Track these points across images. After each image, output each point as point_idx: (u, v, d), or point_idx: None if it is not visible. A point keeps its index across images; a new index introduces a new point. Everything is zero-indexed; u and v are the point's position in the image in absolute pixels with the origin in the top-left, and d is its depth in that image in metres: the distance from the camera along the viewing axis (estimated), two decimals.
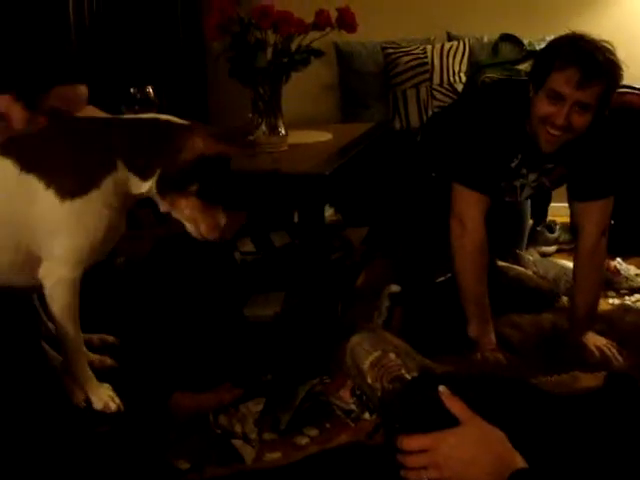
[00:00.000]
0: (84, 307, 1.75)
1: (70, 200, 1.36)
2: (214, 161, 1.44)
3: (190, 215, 1.48)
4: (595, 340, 2.25)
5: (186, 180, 1.42)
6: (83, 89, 1.88)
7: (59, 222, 1.37)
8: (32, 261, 1.41)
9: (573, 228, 2.37)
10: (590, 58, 2.03)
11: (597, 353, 2.18)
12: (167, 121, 1.45)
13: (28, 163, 1.37)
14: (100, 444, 1.48)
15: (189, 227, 1.51)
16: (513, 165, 2.28)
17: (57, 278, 1.40)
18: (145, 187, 1.43)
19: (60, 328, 1.43)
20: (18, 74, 1.87)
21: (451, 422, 1.18)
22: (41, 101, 1.81)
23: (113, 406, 1.52)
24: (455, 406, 1.19)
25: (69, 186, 1.36)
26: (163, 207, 1.48)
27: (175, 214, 1.49)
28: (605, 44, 2.07)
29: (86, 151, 1.41)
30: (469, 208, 2.24)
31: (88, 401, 1.50)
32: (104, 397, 1.52)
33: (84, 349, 1.56)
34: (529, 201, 2.93)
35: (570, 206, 2.32)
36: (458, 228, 2.24)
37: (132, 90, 2.20)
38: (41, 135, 1.47)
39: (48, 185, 1.36)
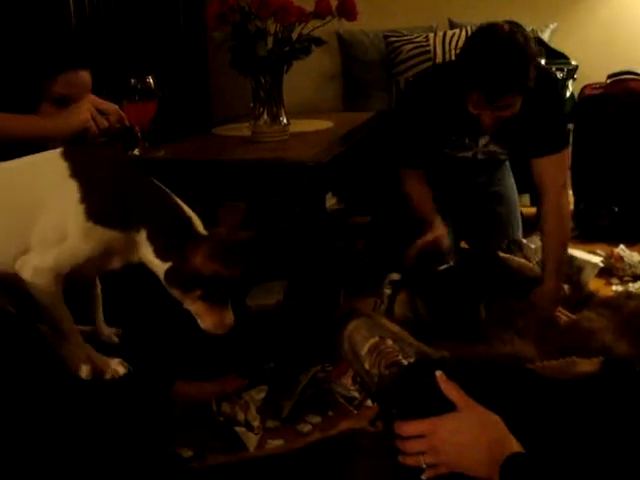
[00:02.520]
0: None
1: (92, 224, 1.39)
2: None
3: (195, 312, 1.52)
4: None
5: (190, 284, 1.46)
6: (87, 75, 1.90)
7: (72, 234, 1.40)
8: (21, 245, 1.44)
9: (535, 188, 2.48)
10: (491, 83, 2.13)
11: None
12: (189, 224, 1.48)
13: (78, 171, 1.42)
14: (102, 433, 1.49)
15: (199, 321, 1.55)
16: (454, 138, 2.47)
17: (33, 267, 1.41)
18: (156, 265, 1.46)
19: (51, 313, 1.45)
20: (23, 64, 1.88)
21: (448, 407, 1.19)
22: (48, 89, 1.83)
23: (121, 370, 1.54)
24: (452, 391, 1.20)
25: (97, 210, 1.40)
26: (170, 292, 1.51)
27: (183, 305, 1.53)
28: (515, 41, 2.12)
29: (127, 196, 1.44)
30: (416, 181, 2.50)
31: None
32: (111, 365, 1.54)
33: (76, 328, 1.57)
34: (514, 186, 2.94)
35: (530, 167, 2.43)
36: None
37: (132, 80, 2.20)
38: (102, 155, 1.53)
39: (83, 200, 1.39)
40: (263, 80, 2.54)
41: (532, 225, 3.16)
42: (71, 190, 1.40)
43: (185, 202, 1.54)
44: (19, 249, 1.42)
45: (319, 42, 2.61)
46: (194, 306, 1.51)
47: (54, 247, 1.40)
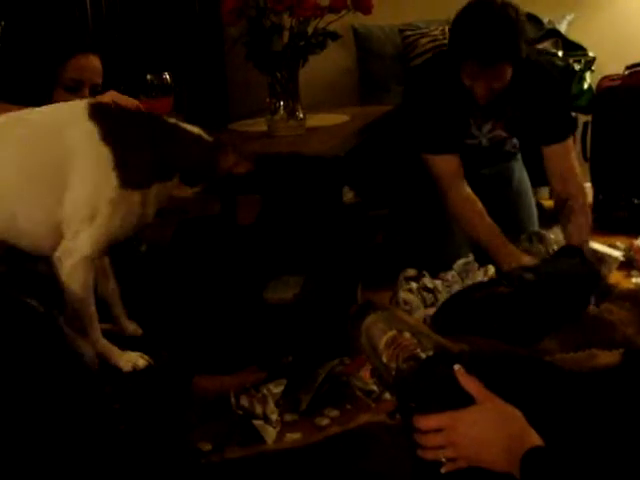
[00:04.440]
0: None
1: (125, 189, 1.42)
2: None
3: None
4: None
5: (226, 186, 1.61)
6: (96, 60, 1.92)
7: (106, 202, 1.42)
8: (54, 231, 1.45)
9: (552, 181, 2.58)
10: (484, 49, 2.24)
11: None
12: (210, 141, 1.58)
13: (108, 135, 1.42)
14: (123, 425, 1.50)
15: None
16: (460, 123, 2.53)
17: (79, 257, 1.43)
18: (190, 192, 1.56)
19: (80, 305, 1.47)
20: (34, 50, 1.90)
21: (467, 401, 1.18)
22: (60, 75, 1.85)
23: (142, 362, 1.57)
24: (471, 385, 1.19)
25: (130, 176, 1.42)
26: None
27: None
28: (506, 10, 2.25)
29: (158, 153, 1.49)
30: (446, 172, 2.47)
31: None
32: (131, 359, 1.56)
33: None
34: (527, 178, 2.94)
35: (544, 157, 2.53)
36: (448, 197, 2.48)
37: (149, 76, 2.20)
38: (130, 115, 1.53)
39: (116, 166, 1.41)
40: (279, 75, 2.56)
41: (552, 217, 3.15)
42: (102, 156, 1.41)
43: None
44: (50, 217, 1.43)
45: (335, 36, 2.62)
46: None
47: (88, 226, 1.42)
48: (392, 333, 1.32)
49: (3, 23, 2.64)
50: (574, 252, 2.32)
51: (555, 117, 2.50)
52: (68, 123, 1.46)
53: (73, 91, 1.88)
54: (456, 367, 1.19)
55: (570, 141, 2.54)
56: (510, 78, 2.35)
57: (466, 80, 2.36)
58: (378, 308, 1.41)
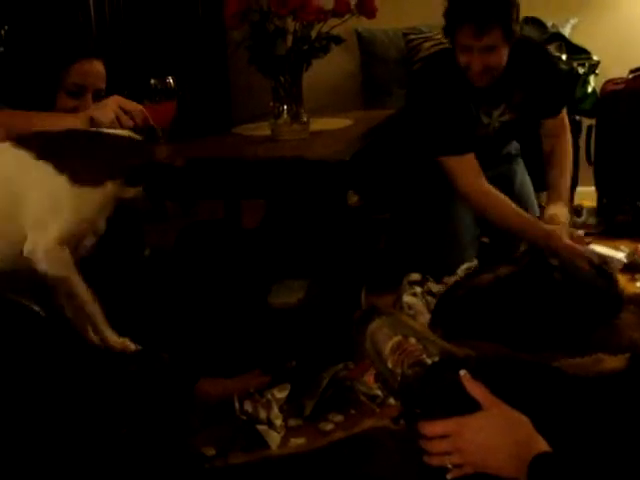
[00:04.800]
0: (114, 300, 1.79)
1: (78, 187, 1.48)
2: None
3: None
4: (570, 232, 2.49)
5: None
6: (100, 65, 1.92)
7: (65, 205, 1.47)
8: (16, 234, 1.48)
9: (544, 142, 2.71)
10: (478, 10, 2.32)
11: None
12: (140, 139, 1.66)
13: (45, 153, 1.49)
14: (126, 429, 1.50)
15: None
16: (472, 114, 2.57)
17: (45, 244, 1.46)
18: (132, 192, 1.59)
19: (67, 286, 1.50)
20: (37, 55, 1.90)
21: (473, 407, 1.17)
22: (63, 79, 1.85)
23: (132, 346, 1.61)
24: (477, 390, 1.19)
25: (78, 175, 1.49)
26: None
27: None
28: None
29: (93, 157, 1.55)
30: (465, 172, 2.49)
31: None
32: (124, 341, 1.60)
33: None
34: (529, 181, 2.94)
35: (541, 130, 2.70)
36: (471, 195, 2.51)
37: (153, 81, 2.20)
38: (63, 135, 1.59)
39: (62, 171, 1.48)
40: (283, 79, 2.55)
41: None
42: (45, 169, 1.47)
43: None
44: (17, 239, 1.46)
45: (338, 40, 2.61)
46: None
47: (52, 221, 1.46)
48: (397, 338, 1.32)
49: (6, 27, 2.65)
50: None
51: (553, 93, 2.65)
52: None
53: (76, 96, 1.87)
54: (462, 373, 1.19)
55: (564, 111, 2.72)
56: (507, 60, 2.43)
57: (461, 57, 2.41)
58: (383, 313, 1.40)
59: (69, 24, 2.77)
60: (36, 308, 1.32)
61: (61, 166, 1.48)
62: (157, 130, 2.19)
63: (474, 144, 2.54)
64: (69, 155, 1.52)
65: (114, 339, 1.59)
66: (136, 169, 1.58)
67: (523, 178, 2.94)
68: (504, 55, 2.41)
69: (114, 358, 1.54)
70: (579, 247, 2.37)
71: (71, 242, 1.52)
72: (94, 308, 1.56)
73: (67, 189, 1.47)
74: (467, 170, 2.49)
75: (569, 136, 2.72)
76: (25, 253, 1.46)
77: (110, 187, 1.54)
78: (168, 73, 2.24)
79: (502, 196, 2.51)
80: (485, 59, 2.39)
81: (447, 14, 2.47)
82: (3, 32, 2.64)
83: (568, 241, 2.35)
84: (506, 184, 2.87)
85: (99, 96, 1.89)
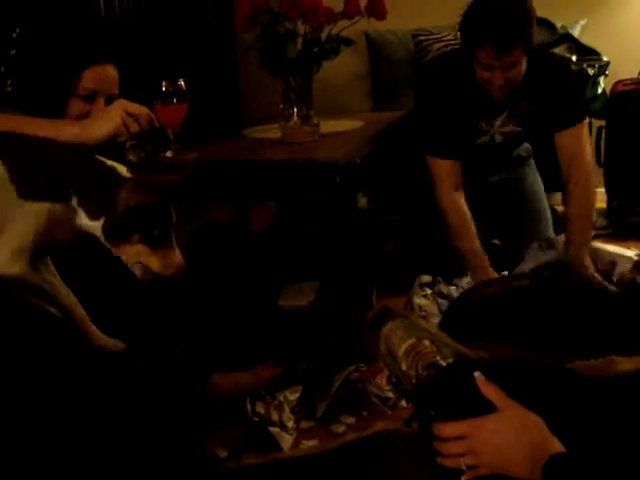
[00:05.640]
0: (125, 300, 1.79)
1: (24, 200, 1.42)
2: (153, 207, 1.46)
3: (142, 259, 1.49)
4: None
5: (127, 230, 1.46)
6: (113, 70, 1.91)
7: (11, 217, 1.42)
8: None
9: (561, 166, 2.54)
10: (499, 31, 2.24)
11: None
12: (114, 174, 1.48)
13: (5, 153, 1.43)
14: (139, 431, 1.50)
15: (136, 272, 1.51)
16: (472, 122, 2.53)
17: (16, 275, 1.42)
18: (93, 227, 1.47)
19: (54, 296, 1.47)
20: (50, 60, 1.90)
21: (487, 408, 1.17)
22: (75, 84, 1.85)
23: (120, 345, 1.57)
24: (491, 392, 1.19)
25: (30, 190, 1.42)
26: (114, 252, 1.50)
27: (124, 259, 1.50)
28: None
29: (56, 172, 1.46)
30: (444, 177, 2.48)
31: None
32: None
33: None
34: (541, 184, 2.93)
35: (555, 145, 2.53)
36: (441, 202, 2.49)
37: (164, 83, 2.20)
38: (30, 141, 1.52)
39: (13, 181, 1.42)
40: (293, 81, 2.55)
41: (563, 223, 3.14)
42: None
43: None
44: None
45: (348, 42, 2.61)
46: (139, 253, 1.47)
47: (3, 237, 1.42)
48: (411, 341, 1.32)
49: (18, 30, 2.66)
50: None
51: (566, 103, 2.51)
52: None
53: (88, 101, 1.86)
54: (476, 374, 1.19)
55: (580, 127, 2.54)
56: (525, 71, 2.38)
57: (482, 73, 2.36)
58: (397, 316, 1.40)
59: (81, 28, 2.78)
60: (52, 310, 1.32)
61: (14, 174, 1.42)
62: (167, 132, 2.22)
63: (466, 151, 2.53)
64: (24, 163, 1.46)
65: (103, 339, 1.56)
66: (98, 200, 1.46)
67: (534, 180, 2.93)
68: (524, 66, 2.37)
69: (124, 357, 1.54)
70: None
71: (27, 252, 1.45)
72: (78, 312, 1.53)
73: (13, 203, 1.42)
74: (446, 177, 2.49)
75: (589, 165, 2.55)
76: None
77: (66, 207, 1.45)
78: (179, 76, 2.25)
79: (468, 219, 2.49)
80: (506, 74, 2.34)
81: (465, 31, 2.41)
82: (15, 35, 2.65)
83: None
84: (516, 187, 2.88)
85: (111, 101, 1.88)
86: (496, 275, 2.45)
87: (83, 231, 1.48)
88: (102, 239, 1.47)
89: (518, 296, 1.91)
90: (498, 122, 2.57)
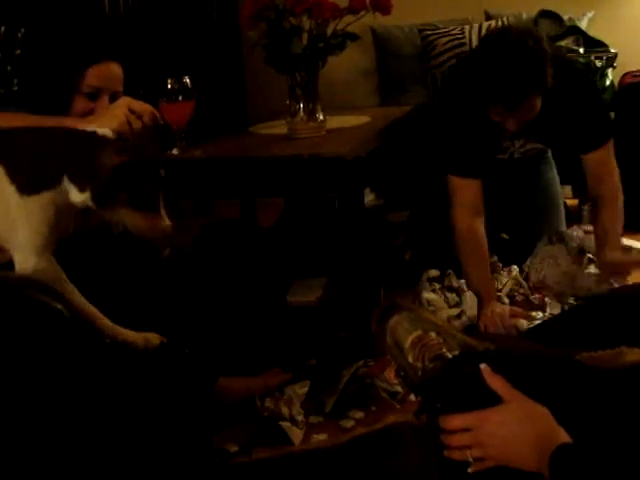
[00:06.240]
0: (133, 297, 1.80)
1: (29, 196, 1.43)
2: (140, 169, 1.47)
3: (127, 221, 1.50)
4: None
5: (112, 193, 1.45)
6: (117, 67, 1.92)
7: (18, 216, 1.44)
8: None
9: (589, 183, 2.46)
10: (509, 93, 2.10)
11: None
12: (99, 135, 1.50)
13: (1, 152, 1.45)
14: (148, 428, 1.50)
15: (134, 231, 1.52)
16: (492, 141, 2.43)
17: (33, 267, 1.44)
18: (81, 197, 1.47)
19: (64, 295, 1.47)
20: (54, 58, 1.91)
21: (493, 400, 1.17)
22: (80, 82, 1.85)
23: (156, 339, 1.56)
24: (497, 384, 1.19)
25: (28, 183, 1.44)
26: (105, 217, 1.51)
27: (113, 222, 1.53)
28: (525, 45, 2.08)
29: (45, 158, 1.47)
30: (464, 198, 2.37)
31: None
32: (142, 335, 1.56)
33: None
34: (556, 175, 2.91)
35: (582, 161, 2.42)
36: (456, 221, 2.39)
37: (169, 81, 2.21)
38: (16, 134, 1.53)
39: (12, 179, 1.43)
40: (299, 77, 2.55)
41: (574, 216, 3.13)
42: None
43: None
44: None
45: (354, 37, 2.61)
46: (125, 215, 1.48)
47: (15, 237, 1.44)
48: (418, 333, 1.32)
49: (23, 30, 2.67)
50: None
51: (592, 125, 2.38)
52: None
53: (93, 98, 1.87)
54: (482, 366, 1.18)
55: (609, 145, 2.42)
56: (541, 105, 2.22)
57: (494, 117, 2.24)
58: (403, 308, 1.40)
59: (86, 26, 2.80)
60: (59, 306, 1.32)
61: (12, 174, 1.43)
62: (173, 130, 2.22)
63: (487, 169, 2.43)
64: (23, 157, 1.47)
65: (131, 335, 1.55)
66: (83, 170, 1.46)
67: (551, 177, 2.89)
68: (539, 105, 2.21)
69: (134, 354, 1.54)
70: (504, 322, 2.25)
71: (47, 246, 1.48)
72: (90, 311, 1.52)
73: (17, 202, 1.43)
74: (466, 198, 2.39)
75: (616, 179, 2.45)
76: (17, 267, 1.45)
77: (59, 190, 1.46)
78: (184, 73, 2.26)
79: (482, 242, 2.39)
80: (520, 119, 2.23)
81: (474, 87, 2.25)
82: (20, 35, 2.66)
83: (498, 310, 2.27)
84: (533, 183, 2.84)
85: (116, 98, 1.89)
86: (499, 304, 2.37)
87: (79, 209, 1.49)
88: (94, 208, 1.47)
89: None
90: (519, 142, 2.52)
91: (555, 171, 2.89)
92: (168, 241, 1.59)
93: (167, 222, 1.51)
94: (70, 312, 1.35)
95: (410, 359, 1.30)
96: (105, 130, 1.53)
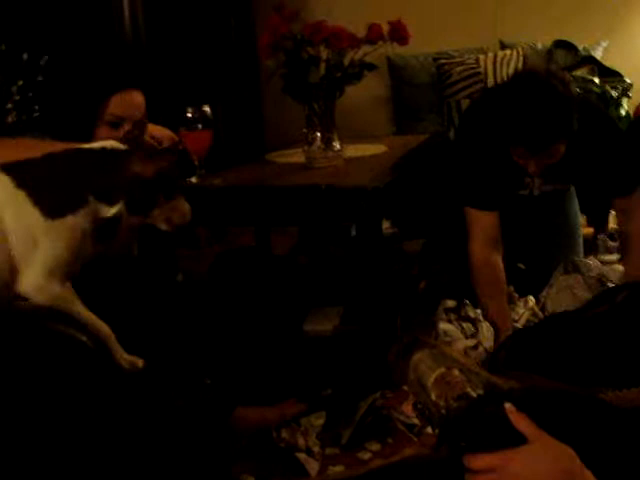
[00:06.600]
0: (146, 322, 1.80)
1: (52, 220, 1.44)
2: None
3: (163, 217, 1.58)
4: None
5: (152, 194, 1.54)
6: (140, 96, 1.93)
7: (41, 240, 1.44)
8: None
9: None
10: (536, 137, 2.05)
11: None
12: (114, 149, 1.55)
13: (22, 181, 1.46)
14: (165, 459, 1.50)
15: (163, 226, 1.60)
16: (513, 178, 2.38)
17: (33, 287, 1.43)
18: (113, 211, 1.51)
19: (72, 313, 1.46)
20: (77, 87, 1.93)
21: (518, 440, 1.16)
22: (102, 111, 1.87)
23: (140, 362, 1.55)
24: (522, 423, 1.17)
25: (53, 207, 1.45)
26: (146, 221, 1.58)
27: (149, 222, 1.59)
28: (552, 89, 2.04)
29: (67, 182, 1.50)
30: (482, 231, 2.35)
31: None
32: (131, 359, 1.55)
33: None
34: (577, 207, 2.90)
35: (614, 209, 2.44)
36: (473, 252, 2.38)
37: (189, 110, 2.23)
38: (32, 164, 1.54)
39: (36, 203, 1.44)
40: (316, 106, 2.56)
41: (589, 246, 3.12)
42: (21, 199, 1.43)
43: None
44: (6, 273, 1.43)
45: (371, 67, 2.62)
46: (164, 210, 1.57)
47: (34, 259, 1.42)
48: (441, 370, 1.31)
49: (46, 57, 2.70)
50: None
51: (619, 172, 2.31)
52: None
53: (115, 127, 1.89)
54: (507, 405, 1.17)
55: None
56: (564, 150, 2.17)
57: (516, 158, 2.19)
58: (426, 345, 1.40)
59: (108, 55, 2.82)
60: (83, 338, 1.32)
61: (35, 196, 1.45)
62: (192, 158, 2.24)
63: (506, 203, 2.41)
64: (44, 183, 1.49)
65: (125, 358, 1.56)
66: (111, 185, 1.51)
67: (571, 210, 2.86)
68: (563, 149, 2.15)
69: (161, 391, 1.54)
70: None
71: (61, 272, 1.47)
72: (104, 331, 1.50)
73: (40, 225, 1.44)
74: (483, 230, 2.37)
75: None
76: (20, 291, 1.43)
77: (86, 210, 1.49)
78: (202, 101, 2.27)
79: (502, 279, 2.38)
80: (542, 162, 2.17)
81: (497, 129, 2.19)
82: (42, 62, 2.69)
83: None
84: (554, 218, 2.82)
85: None
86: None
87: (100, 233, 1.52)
88: (125, 218, 1.52)
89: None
90: (538, 181, 2.47)
91: (577, 204, 2.88)
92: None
93: (187, 204, 1.61)
94: (94, 342, 1.36)
95: (433, 397, 1.29)
96: (111, 142, 1.56)
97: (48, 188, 1.47)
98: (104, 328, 1.51)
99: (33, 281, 1.42)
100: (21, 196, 1.44)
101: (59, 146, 1.67)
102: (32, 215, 1.43)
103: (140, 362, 1.54)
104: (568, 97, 2.07)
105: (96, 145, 1.56)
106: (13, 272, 1.42)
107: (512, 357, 1.74)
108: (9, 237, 1.41)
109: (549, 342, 1.76)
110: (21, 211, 1.43)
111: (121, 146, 1.55)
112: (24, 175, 1.48)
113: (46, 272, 1.43)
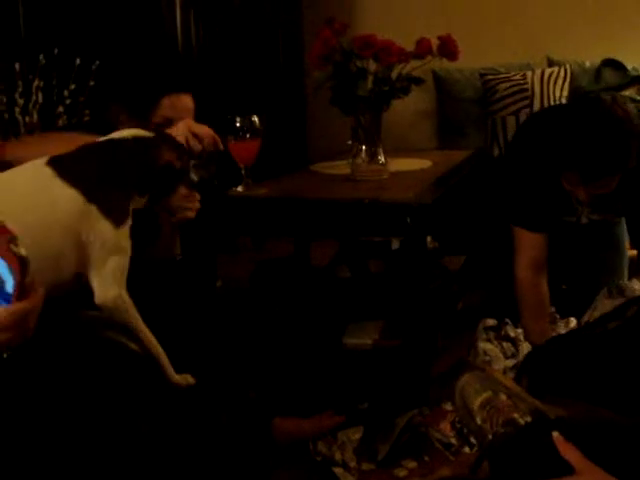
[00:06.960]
0: (184, 329, 1.81)
1: (120, 227, 1.48)
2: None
3: (178, 206, 1.62)
4: None
5: (172, 184, 1.57)
6: (189, 99, 1.95)
7: (113, 245, 1.47)
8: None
9: None
10: (592, 167, 1.97)
11: None
12: (145, 137, 1.56)
13: (92, 195, 1.47)
14: (205, 470, 1.51)
15: (180, 215, 1.65)
16: (562, 202, 2.29)
17: (114, 295, 1.45)
18: (142, 202, 1.55)
19: (133, 328, 1.48)
20: (129, 88, 1.95)
21: (566, 470, 1.15)
22: (152, 112, 1.89)
23: (191, 380, 1.56)
24: (570, 453, 1.16)
25: (119, 216, 1.48)
26: (164, 208, 1.61)
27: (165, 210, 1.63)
28: (614, 118, 1.97)
29: (117, 181, 1.51)
30: (527, 249, 2.32)
31: None
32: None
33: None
34: (624, 228, 2.85)
35: None
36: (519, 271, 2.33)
37: (238, 119, 2.24)
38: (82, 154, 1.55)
39: (106, 216, 1.46)
40: (362, 119, 2.56)
41: (634, 267, 3.08)
42: (95, 214, 1.45)
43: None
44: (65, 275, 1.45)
45: (419, 81, 2.62)
46: (182, 198, 1.60)
47: (102, 264, 1.45)
48: (487, 394, 1.30)
49: (98, 62, 2.74)
50: None
51: None
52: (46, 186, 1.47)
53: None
54: (555, 435, 1.16)
55: None
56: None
57: (565, 185, 2.12)
58: (473, 368, 1.39)
59: (159, 58, 2.85)
60: (133, 346, 1.33)
61: (104, 210, 1.46)
62: (239, 167, 2.26)
63: (554, 227, 2.36)
64: (108, 195, 1.49)
65: (176, 378, 1.57)
66: (146, 175, 1.52)
67: (619, 236, 2.82)
68: (617, 181, 2.05)
69: (207, 406, 1.55)
70: None
71: (124, 279, 1.50)
72: (157, 349, 1.51)
73: (113, 233, 1.46)
74: (529, 249, 2.33)
75: None
76: (97, 303, 1.45)
77: (132, 207, 1.52)
78: (248, 111, 2.29)
79: (545, 300, 2.35)
80: (593, 192, 2.08)
81: (550, 150, 2.11)
82: (94, 67, 2.73)
83: None
84: (599, 241, 2.78)
85: None
86: None
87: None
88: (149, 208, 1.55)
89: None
90: (586, 210, 2.41)
91: (625, 228, 2.83)
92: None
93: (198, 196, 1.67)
94: (144, 351, 1.37)
95: (478, 421, 1.28)
96: (133, 131, 1.57)
97: (105, 192, 1.48)
98: (156, 344, 1.53)
99: (112, 293, 1.44)
100: (94, 210, 1.45)
101: (86, 138, 1.68)
102: (104, 225, 1.45)
103: (191, 379, 1.55)
104: (631, 131, 2.00)
105: (126, 134, 1.56)
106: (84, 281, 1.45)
107: (534, 382, 1.73)
108: (87, 250, 1.44)
109: (566, 362, 1.76)
110: (96, 225, 1.45)
111: (148, 134, 1.57)
112: (93, 187, 1.47)
113: (119, 282, 1.46)
